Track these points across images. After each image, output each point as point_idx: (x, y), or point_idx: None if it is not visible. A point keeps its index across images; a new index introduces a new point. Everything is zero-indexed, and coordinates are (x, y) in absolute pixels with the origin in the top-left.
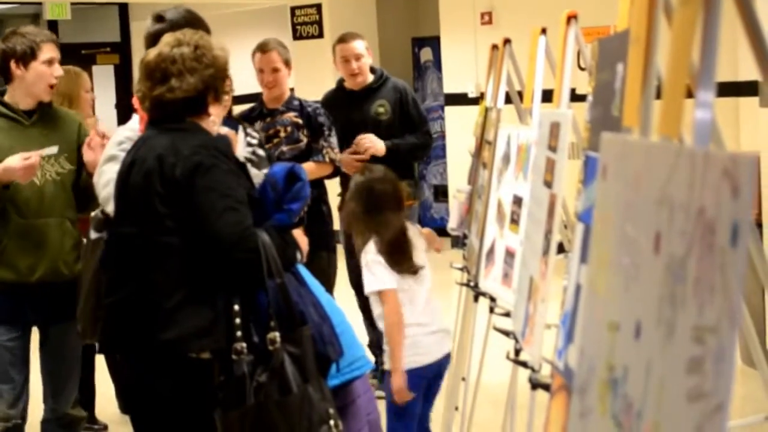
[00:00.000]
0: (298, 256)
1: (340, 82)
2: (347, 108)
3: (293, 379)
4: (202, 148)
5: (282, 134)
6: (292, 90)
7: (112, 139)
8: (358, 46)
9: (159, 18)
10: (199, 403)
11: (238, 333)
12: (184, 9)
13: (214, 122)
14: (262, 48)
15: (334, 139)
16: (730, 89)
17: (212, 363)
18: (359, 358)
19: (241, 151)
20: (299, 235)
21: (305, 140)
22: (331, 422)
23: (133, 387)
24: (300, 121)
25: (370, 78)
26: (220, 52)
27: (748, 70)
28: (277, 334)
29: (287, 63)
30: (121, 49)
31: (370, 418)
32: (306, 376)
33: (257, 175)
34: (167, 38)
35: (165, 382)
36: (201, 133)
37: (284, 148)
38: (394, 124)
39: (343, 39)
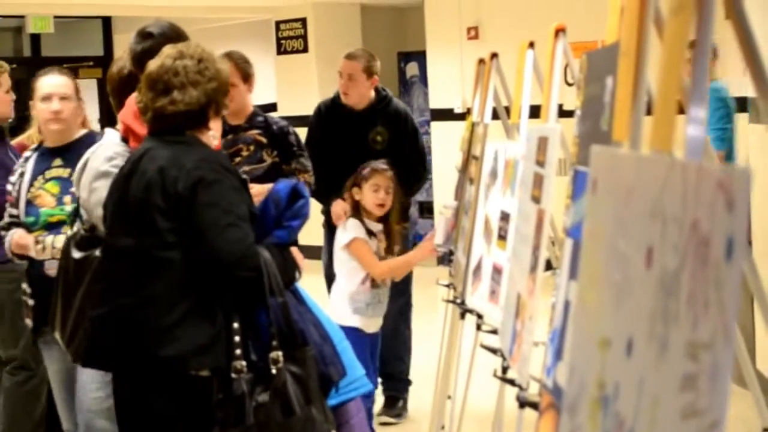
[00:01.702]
0: (296, 274)
1: (337, 97)
2: (343, 125)
3: (296, 399)
4: (204, 162)
5: (244, 152)
6: (273, 106)
7: (100, 154)
8: (353, 66)
9: (147, 35)
10: (196, 422)
11: (238, 351)
12: (166, 23)
13: (214, 137)
14: None
15: (307, 161)
16: None
17: (211, 381)
18: (358, 379)
19: None
20: (296, 253)
21: (269, 160)
22: None
23: (124, 403)
24: (264, 139)
25: (372, 98)
26: (223, 65)
27: (737, 87)
28: (279, 354)
29: (246, 78)
30: (104, 63)
31: None
32: (309, 397)
33: None
34: (169, 50)
35: (161, 398)
36: (202, 147)
37: (246, 168)
38: (388, 152)
39: (347, 55)
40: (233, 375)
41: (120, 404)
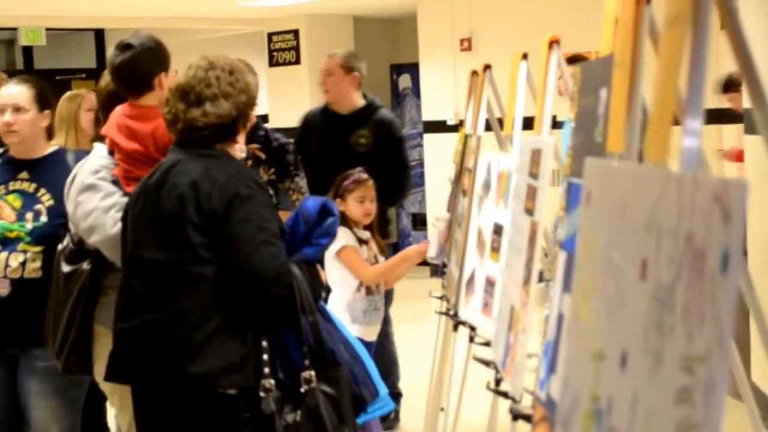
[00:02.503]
0: (323, 292)
1: (327, 103)
2: (326, 130)
3: (329, 420)
4: (238, 177)
5: None
6: (264, 117)
7: (86, 168)
8: (331, 61)
9: (126, 46)
10: None
11: (266, 370)
12: (145, 35)
13: (240, 149)
14: None
15: (302, 181)
16: (713, 117)
17: (238, 399)
18: (382, 398)
19: None
20: (319, 270)
21: (265, 178)
22: None
23: (147, 420)
24: (262, 155)
25: (359, 104)
26: (252, 78)
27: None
28: (312, 373)
29: None
30: (97, 76)
31: None
32: (342, 418)
33: None
34: (199, 61)
35: (186, 416)
36: (233, 161)
37: None
38: (371, 158)
39: (328, 54)
40: (262, 394)
41: (142, 420)
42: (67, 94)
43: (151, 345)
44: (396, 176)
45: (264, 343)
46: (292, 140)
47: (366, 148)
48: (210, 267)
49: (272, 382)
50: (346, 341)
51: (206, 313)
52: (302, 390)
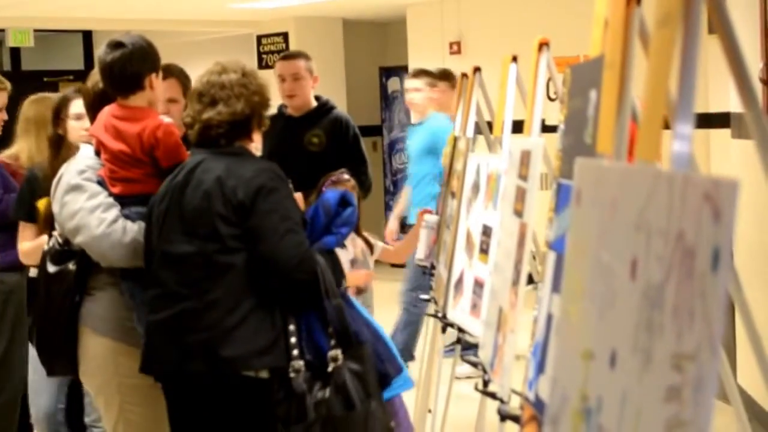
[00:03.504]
0: (343, 280)
1: (282, 106)
2: (281, 133)
3: (356, 395)
4: (262, 171)
5: None
6: None
7: (72, 168)
8: (299, 65)
9: (117, 45)
10: (256, 423)
11: (295, 351)
12: (137, 35)
13: (256, 148)
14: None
15: None
16: (701, 121)
17: (270, 382)
18: (404, 376)
19: None
20: (339, 258)
21: None
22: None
23: (180, 411)
24: None
25: (313, 105)
26: (264, 81)
27: (718, 102)
28: (338, 352)
29: (186, 92)
30: (85, 77)
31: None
32: (368, 392)
33: None
34: (213, 66)
35: (221, 402)
36: (254, 157)
37: None
38: (327, 158)
39: (284, 56)
40: (292, 374)
41: (175, 412)
42: (36, 96)
43: (186, 333)
44: (355, 174)
45: (291, 327)
46: None
47: (318, 147)
48: (238, 256)
49: (301, 363)
50: (368, 323)
51: (236, 300)
52: (330, 369)
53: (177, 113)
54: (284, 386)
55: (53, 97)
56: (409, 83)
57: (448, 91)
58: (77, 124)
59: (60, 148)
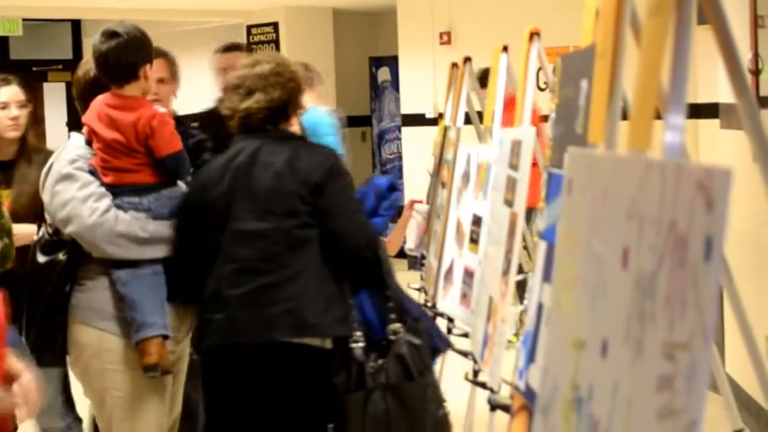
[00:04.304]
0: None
1: (219, 101)
2: (216, 131)
3: (413, 366)
4: (330, 156)
5: None
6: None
7: (63, 158)
8: (238, 57)
9: (112, 34)
10: (314, 390)
11: (354, 324)
12: (131, 25)
13: (296, 131)
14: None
15: None
16: (689, 111)
17: (333, 351)
18: None
19: None
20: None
21: None
22: (445, 405)
23: (236, 384)
24: None
25: None
26: (297, 67)
27: (707, 93)
28: (399, 326)
29: (174, 76)
30: (73, 67)
31: None
32: (425, 364)
33: None
34: (245, 60)
35: (284, 370)
36: (314, 143)
37: None
38: None
39: (224, 48)
40: (352, 345)
41: (229, 386)
42: None
43: (269, 305)
44: None
45: (350, 301)
46: (207, 139)
47: None
48: (314, 231)
49: (360, 334)
50: (412, 300)
51: (314, 272)
52: (391, 338)
53: (165, 93)
54: (343, 356)
55: None
56: None
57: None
58: (2, 114)
59: None
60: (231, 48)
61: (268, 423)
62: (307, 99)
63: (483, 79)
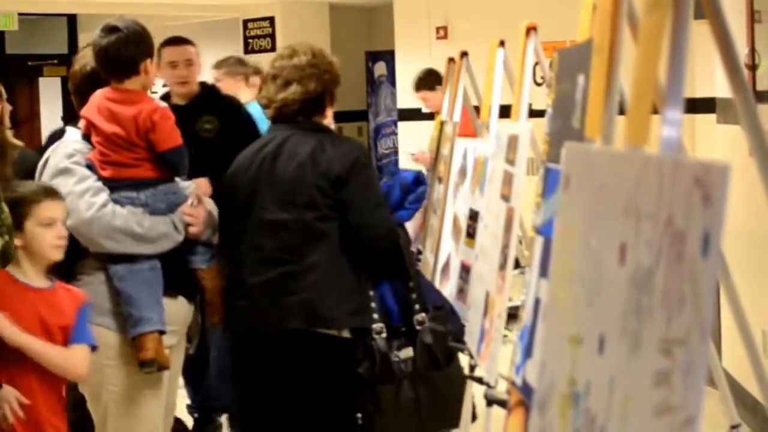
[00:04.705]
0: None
1: (166, 96)
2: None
3: (440, 353)
4: (354, 148)
5: None
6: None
7: (60, 152)
8: (190, 50)
9: (112, 29)
10: (338, 380)
11: (375, 315)
12: (130, 19)
13: (329, 123)
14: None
15: None
16: (686, 106)
17: (353, 342)
18: None
19: None
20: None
21: None
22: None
23: (262, 369)
24: None
25: (197, 90)
26: (333, 59)
27: (704, 88)
28: (424, 315)
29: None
30: (69, 61)
31: None
32: (451, 351)
33: None
34: (282, 50)
35: (305, 359)
36: (341, 135)
37: None
38: (223, 144)
39: (175, 41)
40: (375, 336)
41: (256, 371)
42: None
43: (287, 294)
44: None
45: (371, 293)
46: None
47: (212, 133)
48: (333, 223)
49: (382, 325)
50: (435, 289)
51: (331, 264)
52: (417, 328)
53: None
54: (364, 346)
55: None
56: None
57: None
58: None
59: None
60: (181, 41)
61: (294, 411)
62: (245, 92)
63: (423, 80)
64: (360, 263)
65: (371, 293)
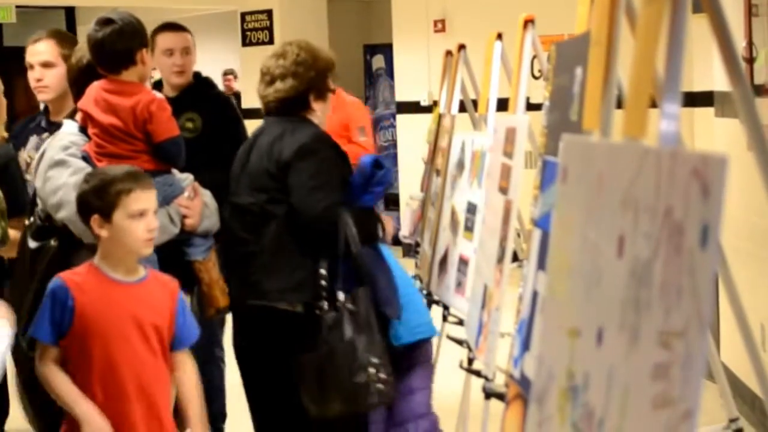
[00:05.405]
0: (380, 233)
1: (157, 85)
2: None
3: (347, 331)
4: (308, 136)
5: None
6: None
7: (56, 144)
8: (188, 38)
9: (107, 21)
10: (288, 350)
11: (323, 293)
12: (125, 12)
13: (319, 117)
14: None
15: None
16: (684, 99)
17: (304, 316)
18: (424, 323)
19: None
20: (387, 219)
21: None
22: (371, 370)
23: (242, 340)
24: None
25: (189, 83)
26: (324, 54)
27: (702, 81)
28: (341, 294)
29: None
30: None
31: None
32: (359, 329)
33: None
34: (274, 49)
35: (269, 332)
36: (310, 124)
37: None
38: (203, 143)
39: (171, 27)
40: (317, 312)
41: (240, 342)
42: None
43: (248, 273)
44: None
45: (322, 271)
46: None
47: (192, 133)
48: (281, 206)
49: (324, 303)
50: (389, 272)
51: (279, 244)
52: (337, 305)
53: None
54: (312, 321)
55: None
56: None
57: None
58: None
59: None
60: (178, 28)
61: (263, 381)
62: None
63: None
64: (308, 243)
65: (322, 271)
